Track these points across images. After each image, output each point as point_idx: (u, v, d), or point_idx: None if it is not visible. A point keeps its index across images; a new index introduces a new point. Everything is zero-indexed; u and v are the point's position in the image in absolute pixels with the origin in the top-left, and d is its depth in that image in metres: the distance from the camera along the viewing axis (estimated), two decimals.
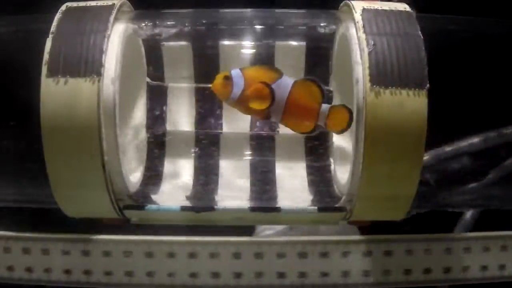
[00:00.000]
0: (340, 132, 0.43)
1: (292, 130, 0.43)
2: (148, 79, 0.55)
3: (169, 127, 0.56)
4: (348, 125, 0.41)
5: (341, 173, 0.50)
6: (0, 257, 0.46)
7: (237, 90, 0.41)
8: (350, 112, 0.41)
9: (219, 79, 0.42)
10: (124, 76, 0.44)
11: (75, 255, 0.46)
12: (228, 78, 0.41)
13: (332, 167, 0.53)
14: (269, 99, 0.41)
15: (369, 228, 0.47)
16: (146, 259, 0.45)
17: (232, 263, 0.45)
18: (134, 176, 0.51)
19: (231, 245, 0.45)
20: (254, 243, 0.45)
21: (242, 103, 0.42)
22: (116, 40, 0.44)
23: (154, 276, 0.45)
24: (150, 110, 0.56)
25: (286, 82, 0.42)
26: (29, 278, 0.46)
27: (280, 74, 0.42)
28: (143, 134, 0.55)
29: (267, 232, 0.56)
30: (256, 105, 0.41)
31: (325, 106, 0.42)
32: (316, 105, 0.42)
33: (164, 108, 0.56)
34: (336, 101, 0.54)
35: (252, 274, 0.45)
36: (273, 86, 0.41)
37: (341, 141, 0.54)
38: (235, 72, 0.41)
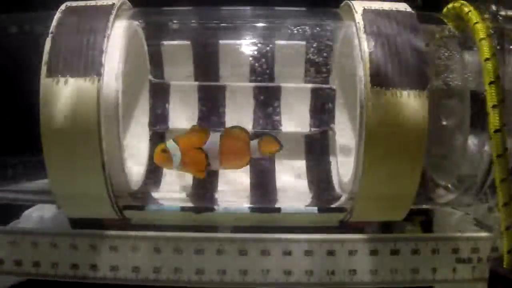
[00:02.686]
0: (273, 153, 0.49)
1: (234, 168, 0.50)
2: (150, 77, 0.55)
3: (171, 125, 0.56)
4: (280, 148, 0.48)
5: (343, 173, 0.50)
6: (9, 252, 0.46)
7: (176, 160, 0.47)
8: (276, 138, 0.48)
9: (157, 153, 0.47)
10: (127, 73, 0.44)
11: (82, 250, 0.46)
12: (165, 151, 0.47)
13: (334, 166, 0.53)
14: (204, 161, 0.47)
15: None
16: (153, 254, 0.45)
17: (237, 259, 0.45)
18: (137, 174, 0.51)
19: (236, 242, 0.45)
20: (260, 241, 0.45)
21: (184, 168, 0.48)
22: (119, 37, 0.44)
23: (160, 272, 0.45)
24: (152, 108, 0.56)
25: (215, 137, 0.48)
26: (36, 272, 0.45)
27: (208, 132, 0.48)
28: (146, 131, 0.55)
29: None
30: (196, 169, 0.48)
31: (253, 142, 0.48)
32: (245, 145, 0.48)
33: (167, 105, 0.56)
34: (338, 99, 0.54)
35: (257, 271, 0.45)
36: (205, 146, 0.47)
37: (343, 140, 0.54)
38: (171, 144, 0.47)
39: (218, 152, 0.48)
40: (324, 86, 0.55)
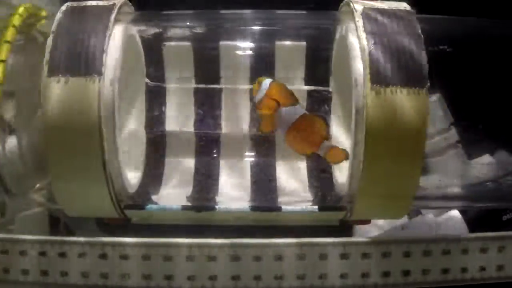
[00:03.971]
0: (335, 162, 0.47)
1: (293, 149, 0.48)
2: (147, 80, 0.55)
3: (168, 127, 0.56)
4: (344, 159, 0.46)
5: (341, 173, 0.50)
6: (16, 260, 0.45)
7: (259, 95, 0.48)
8: (347, 154, 0.45)
9: (256, 82, 0.49)
10: (123, 77, 0.44)
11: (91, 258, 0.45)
12: (259, 83, 0.48)
13: (332, 166, 0.53)
14: (274, 107, 0.47)
15: None
16: (164, 262, 0.44)
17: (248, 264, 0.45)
18: (134, 177, 0.51)
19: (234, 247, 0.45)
20: (254, 246, 0.45)
21: (258, 106, 0.48)
22: (116, 41, 0.44)
23: (173, 280, 0.44)
24: (149, 111, 0.56)
25: (298, 110, 0.47)
26: (45, 281, 0.45)
27: (296, 101, 0.47)
28: (143, 134, 0.55)
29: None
30: (265, 115, 0.48)
31: (327, 143, 0.46)
32: (317, 137, 0.46)
33: (163, 108, 0.56)
34: (334, 101, 0.55)
35: (250, 277, 0.45)
36: (285, 109, 0.47)
37: (341, 141, 0.54)
38: (266, 82, 0.48)
39: (291, 123, 0.47)
40: (321, 88, 0.55)
